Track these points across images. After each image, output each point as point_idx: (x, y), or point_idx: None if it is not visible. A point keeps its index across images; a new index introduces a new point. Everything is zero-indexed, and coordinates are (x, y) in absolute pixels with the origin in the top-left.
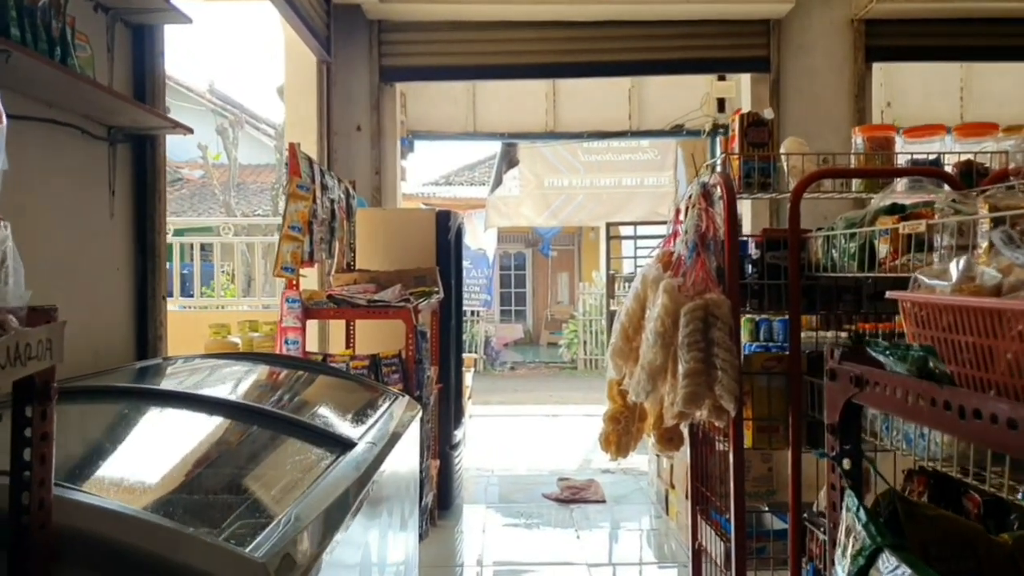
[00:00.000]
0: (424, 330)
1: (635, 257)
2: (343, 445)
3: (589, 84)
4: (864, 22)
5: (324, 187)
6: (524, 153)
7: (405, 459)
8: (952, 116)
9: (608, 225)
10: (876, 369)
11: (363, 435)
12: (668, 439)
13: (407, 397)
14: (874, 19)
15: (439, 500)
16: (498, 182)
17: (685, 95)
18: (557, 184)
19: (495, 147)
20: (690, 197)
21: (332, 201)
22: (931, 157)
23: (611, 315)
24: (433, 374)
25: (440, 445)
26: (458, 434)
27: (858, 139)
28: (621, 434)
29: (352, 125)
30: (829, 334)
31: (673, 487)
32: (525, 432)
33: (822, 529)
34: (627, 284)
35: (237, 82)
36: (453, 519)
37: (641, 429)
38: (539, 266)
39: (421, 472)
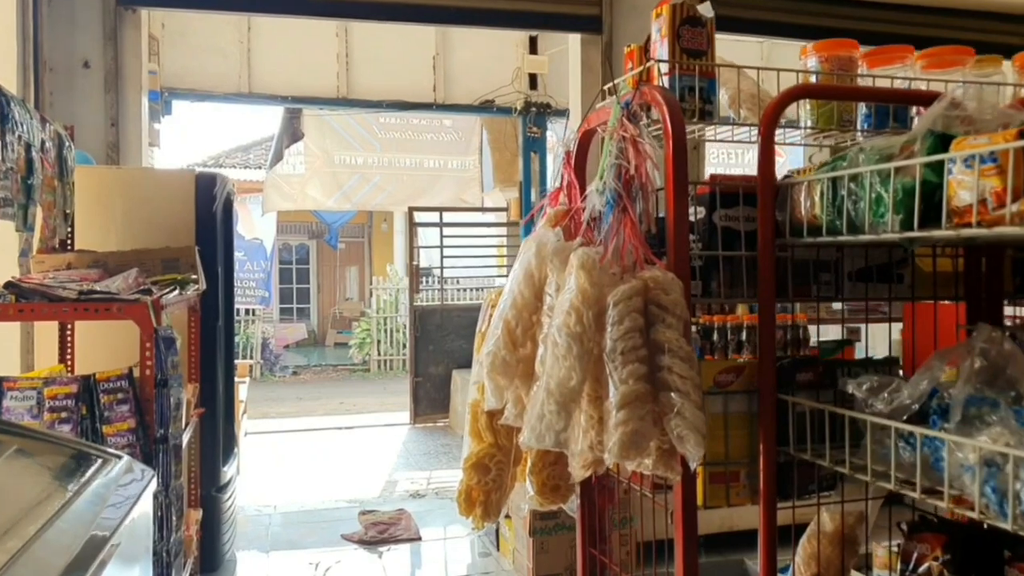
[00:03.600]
0: (171, 335)
1: (441, 247)
2: None
3: (389, 47)
4: None
5: (9, 121)
6: (310, 125)
7: None
8: None
9: (411, 210)
10: None
11: None
12: (554, 487)
13: (124, 459)
14: None
15: (202, 561)
16: (278, 157)
17: (495, 68)
18: (350, 162)
19: (274, 126)
20: (586, 132)
21: (29, 147)
22: (900, 84)
23: (415, 312)
24: (191, 395)
25: (203, 489)
26: (229, 470)
27: (811, 60)
28: (491, 490)
29: (77, 60)
30: None
31: (508, 517)
32: (314, 450)
33: None
34: (428, 279)
35: None
36: None
37: (515, 476)
38: (325, 259)
39: (167, 553)
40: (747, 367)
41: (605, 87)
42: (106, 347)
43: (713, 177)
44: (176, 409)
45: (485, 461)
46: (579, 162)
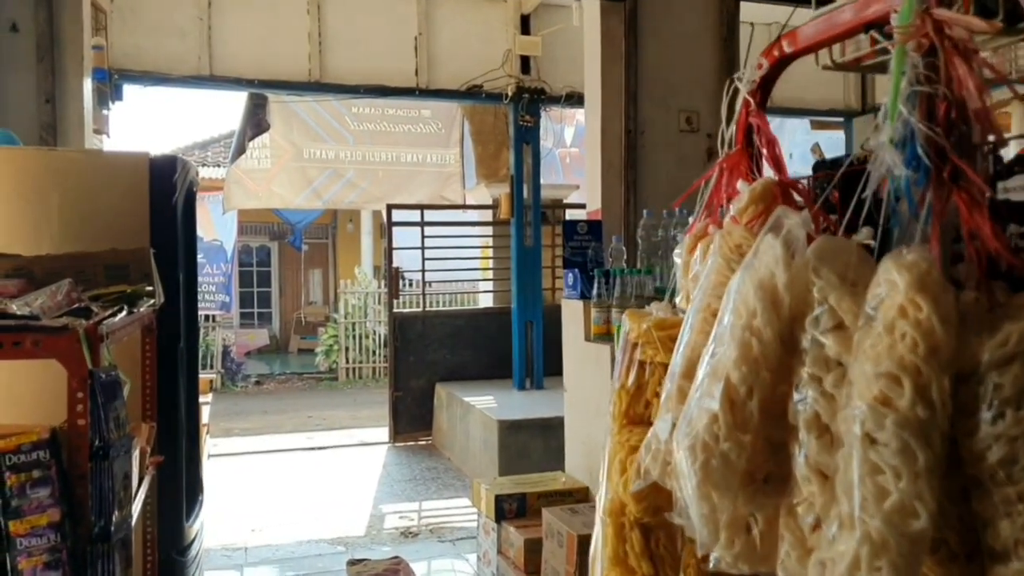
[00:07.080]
0: (117, 378)
1: (423, 248)
2: None
3: (366, 26)
4: None
5: None
6: (277, 115)
7: None
8: None
9: (389, 208)
10: None
11: None
12: None
13: None
14: None
15: None
16: (240, 150)
17: (484, 50)
18: (320, 156)
19: (235, 120)
20: (777, 60)
21: None
22: None
23: (395, 319)
24: (146, 440)
25: (161, 553)
26: (194, 526)
27: None
28: None
29: (2, 21)
30: None
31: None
32: (286, 474)
33: None
34: (402, 283)
35: None
36: None
37: None
38: (287, 262)
39: None
40: None
41: None
42: (22, 396)
43: None
44: (124, 488)
45: None
46: (764, 105)
